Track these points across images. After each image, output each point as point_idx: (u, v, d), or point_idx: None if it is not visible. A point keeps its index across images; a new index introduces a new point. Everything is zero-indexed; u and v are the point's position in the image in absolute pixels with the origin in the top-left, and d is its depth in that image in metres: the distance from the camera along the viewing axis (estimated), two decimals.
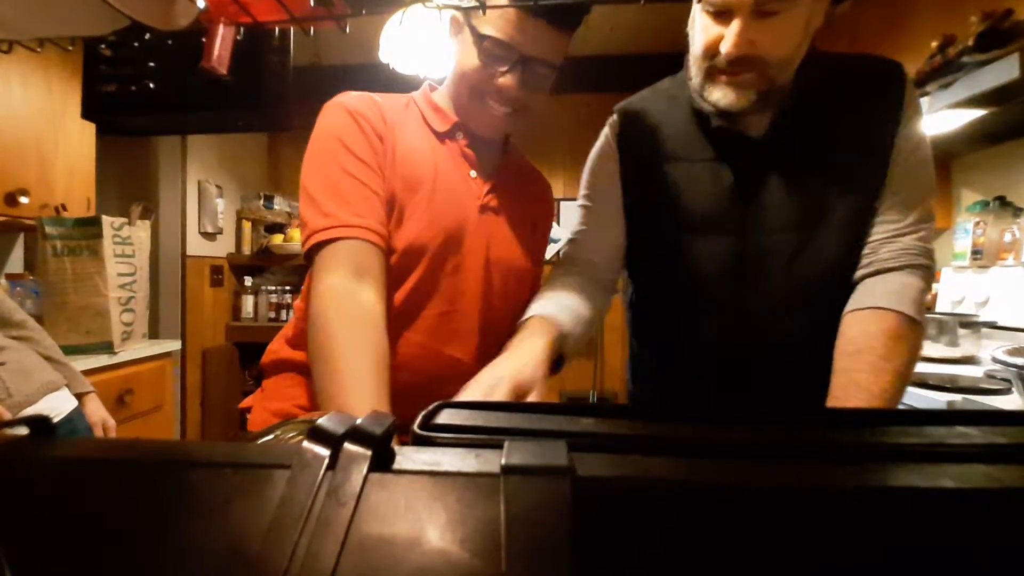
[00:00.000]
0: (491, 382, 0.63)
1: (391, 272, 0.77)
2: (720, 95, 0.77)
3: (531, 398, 0.63)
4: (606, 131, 0.92)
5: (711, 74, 0.77)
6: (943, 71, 1.54)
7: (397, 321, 0.78)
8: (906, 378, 0.74)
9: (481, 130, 0.84)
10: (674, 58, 0.93)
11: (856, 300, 0.79)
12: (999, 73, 1.37)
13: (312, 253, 0.73)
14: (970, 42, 1.45)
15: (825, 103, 0.79)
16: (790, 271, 0.80)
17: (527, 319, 0.79)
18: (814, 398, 0.85)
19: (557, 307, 0.81)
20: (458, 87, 0.83)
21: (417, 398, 0.77)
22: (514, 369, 0.65)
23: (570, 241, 0.93)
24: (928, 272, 0.78)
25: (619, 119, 0.90)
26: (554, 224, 1.03)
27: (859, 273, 0.80)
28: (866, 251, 0.80)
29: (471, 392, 0.62)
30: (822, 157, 0.79)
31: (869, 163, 0.78)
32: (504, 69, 0.77)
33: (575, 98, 3.33)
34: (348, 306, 0.68)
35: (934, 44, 1.60)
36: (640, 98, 0.92)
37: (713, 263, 0.83)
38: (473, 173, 0.85)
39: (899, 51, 1.97)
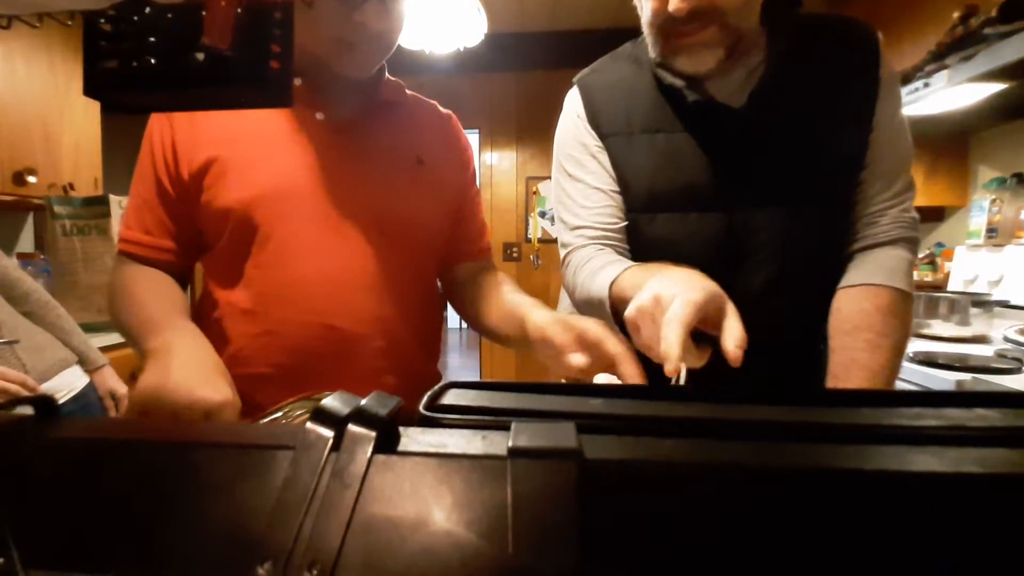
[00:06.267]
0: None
1: (231, 240, 0.75)
2: (685, 61, 0.70)
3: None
4: (569, 106, 0.84)
5: (668, 39, 0.70)
6: (964, 43, 1.50)
7: (260, 286, 0.74)
8: (902, 352, 0.74)
9: (344, 70, 0.75)
10: None
11: (850, 276, 0.77)
12: (1022, 45, 1.33)
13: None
14: (993, 13, 1.40)
15: (804, 68, 0.74)
16: (779, 247, 0.76)
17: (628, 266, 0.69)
18: (806, 378, 0.83)
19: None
20: (310, 26, 0.73)
21: (302, 379, 0.72)
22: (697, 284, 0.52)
23: (579, 228, 0.81)
24: (916, 243, 0.78)
25: (581, 92, 0.83)
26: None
27: (851, 247, 0.78)
28: (856, 224, 0.78)
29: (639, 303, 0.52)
30: (805, 125, 0.74)
31: (852, 131, 0.74)
32: (360, 1, 0.68)
33: (566, 73, 3.35)
34: (145, 273, 0.77)
35: (956, 15, 1.54)
36: (602, 66, 0.85)
37: (697, 243, 0.77)
38: (320, 115, 0.77)
39: (920, 22, 1.91)
